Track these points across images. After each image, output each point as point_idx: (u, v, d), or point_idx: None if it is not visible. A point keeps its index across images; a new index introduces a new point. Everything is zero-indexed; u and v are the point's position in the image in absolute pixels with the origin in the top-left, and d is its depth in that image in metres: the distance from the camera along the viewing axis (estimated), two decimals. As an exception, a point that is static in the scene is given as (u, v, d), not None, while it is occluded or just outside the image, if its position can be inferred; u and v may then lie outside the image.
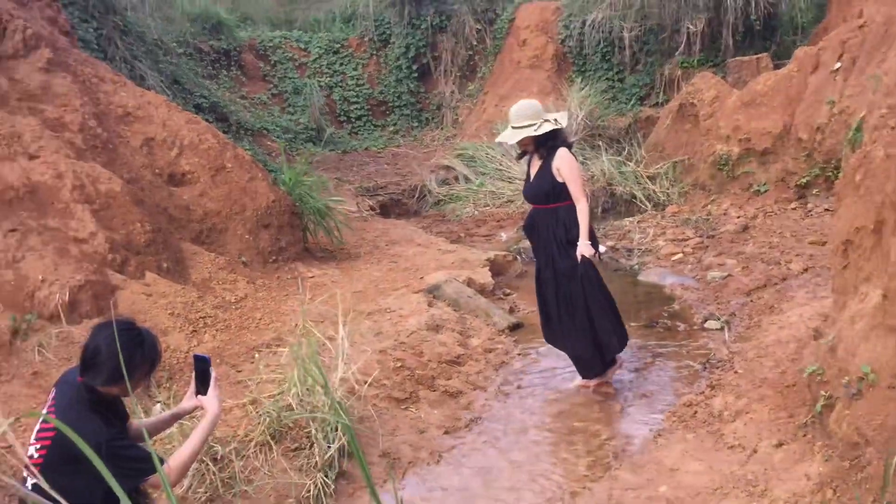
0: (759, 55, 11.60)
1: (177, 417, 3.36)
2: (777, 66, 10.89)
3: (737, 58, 11.90)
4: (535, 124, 5.34)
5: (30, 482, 2.76)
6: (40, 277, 5.70)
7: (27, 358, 5.35)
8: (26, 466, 2.77)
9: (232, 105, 13.24)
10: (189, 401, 3.22)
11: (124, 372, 2.58)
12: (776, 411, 4.66)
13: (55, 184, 6.30)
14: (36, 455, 2.77)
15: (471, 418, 5.43)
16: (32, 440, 2.82)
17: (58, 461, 2.69)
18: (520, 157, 5.73)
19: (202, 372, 3.20)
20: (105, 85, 7.81)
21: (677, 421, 5.03)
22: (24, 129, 6.47)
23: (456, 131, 14.94)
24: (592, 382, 5.68)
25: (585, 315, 5.45)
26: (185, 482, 4.30)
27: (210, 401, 3.12)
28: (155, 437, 4.01)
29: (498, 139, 5.72)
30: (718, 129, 9.91)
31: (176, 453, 2.95)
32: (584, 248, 5.31)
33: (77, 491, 2.60)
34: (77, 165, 6.52)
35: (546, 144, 5.37)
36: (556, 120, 5.40)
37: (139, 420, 3.43)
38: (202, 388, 3.19)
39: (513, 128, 5.42)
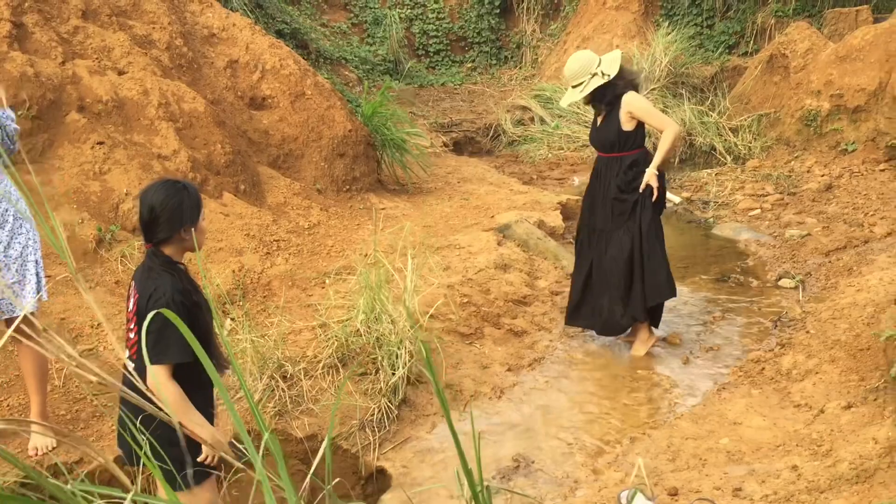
0: (859, 7, 11.07)
1: None
2: (877, 20, 10.37)
3: (835, 9, 11.37)
4: (583, 82, 5.07)
5: (131, 365, 2.92)
6: (125, 191, 5.89)
7: (111, 267, 5.57)
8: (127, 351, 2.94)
9: (312, 32, 13.23)
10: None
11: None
12: (847, 374, 4.58)
13: (141, 100, 6.45)
14: (132, 336, 2.94)
15: (534, 358, 5.47)
16: (128, 328, 3.00)
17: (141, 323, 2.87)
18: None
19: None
20: (192, 5, 7.90)
21: (743, 376, 4.99)
22: (115, 44, 6.61)
23: (535, 71, 14.70)
24: (643, 348, 5.50)
25: (628, 264, 5.22)
26: (256, 396, 4.46)
27: (219, 433, 3.05)
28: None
29: (563, 103, 5.40)
30: (809, 83, 9.54)
31: (179, 393, 2.84)
32: (650, 176, 5.06)
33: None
34: (163, 83, 6.65)
35: (603, 100, 5.12)
36: (602, 72, 5.06)
37: None
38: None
39: (571, 88, 5.19)
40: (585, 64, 5.11)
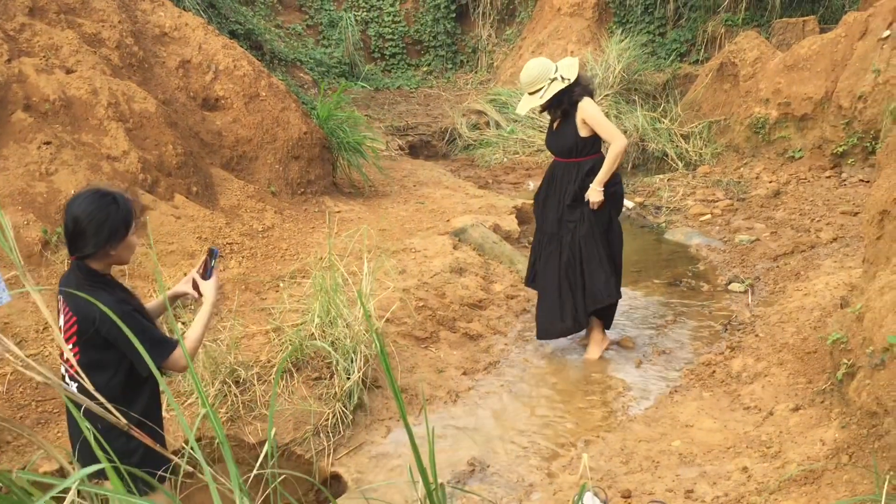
0: (806, 18, 11.33)
1: (173, 299, 3.36)
2: (823, 31, 10.64)
3: (783, 19, 11.63)
4: (542, 88, 5.10)
5: (73, 386, 2.83)
6: (72, 192, 5.75)
7: (56, 270, 5.43)
8: (67, 365, 2.84)
9: (267, 34, 13.10)
10: (185, 285, 3.22)
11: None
12: (795, 376, 4.67)
13: (90, 99, 6.31)
14: (73, 353, 2.85)
15: (489, 362, 5.48)
16: (64, 340, 2.88)
17: (86, 341, 2.78)
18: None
19: (208, 264, 3.20)
20: (143, 3, 7.77)
21: (695, 379, 5.06)
22: (62, 43, 6.46)
23: (490, 76, 14.77)
24: (597, 351, 5.57)
25: (575, 268, 5.28)
26: (208, 401, 4.38)
27: (207, 288, 3.14)
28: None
29: (520, 110, 5.36)
30: (758, 91, 9.73)
31: (187, 348, 2.94)
32: (593, 193, 5.12)
33: (109, 363, 2.83)
34: (113, 83, 6.52)
35: (561, 106, 5.16)
36: (561, 77, 5.10)
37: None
38: (203, 276, 3.19)
39: (528, 94, 5.20)
40: (543, 70, 5.12)
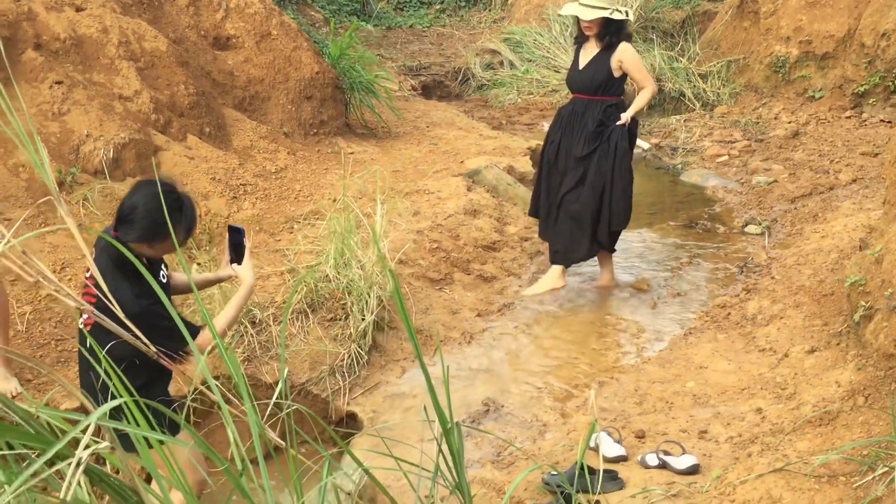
0: (831, -48, 10.99)
1: (211, 283, 3.40)
2: (849, -34, 10.33)
3: (806, -46, 11.29)
4: (609, 9, 5.16)
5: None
6: (85, 132, 5.73)
7: (72, 210, 5.43)
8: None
9: (277, -29, 12.88)
10: (225, 270, 3.26)
11: (170, 229, 2.63)
12: (811, 318, 4.66)
13: (101, 38, 6.23)
14: (85, 317, 2.86)
15: (503, 303, 5.48)
16: (87, 291, 2.89)
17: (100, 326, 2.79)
18: (577, 39, 5.56)
19: (237, 244, 3.22)
20: (152, -61, 7.61)
21: (710, 321, 5.06)
22: (71, -20, 6.36)
23: (504, 14, 14.47)
24: (603, 280, 5.67)
25: (600, 190, 5.32)
26: (224, 340, 4.42)
27: (245, 271, 3.16)
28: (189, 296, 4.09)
29: (565, 11, 5.42)
30: (779, 28, 9.51)
31: (212, 321, 2.95)
32: (626, 117, 5.25)
33: (121, 345, 2.81)
34: (123, 21, 6.44)
35: (611, 34, 5.22)
36: (626, 12, 5.28)
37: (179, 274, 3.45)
38: (236, 258, 3.23)
39: (581, 4, 5.19)
40: None
